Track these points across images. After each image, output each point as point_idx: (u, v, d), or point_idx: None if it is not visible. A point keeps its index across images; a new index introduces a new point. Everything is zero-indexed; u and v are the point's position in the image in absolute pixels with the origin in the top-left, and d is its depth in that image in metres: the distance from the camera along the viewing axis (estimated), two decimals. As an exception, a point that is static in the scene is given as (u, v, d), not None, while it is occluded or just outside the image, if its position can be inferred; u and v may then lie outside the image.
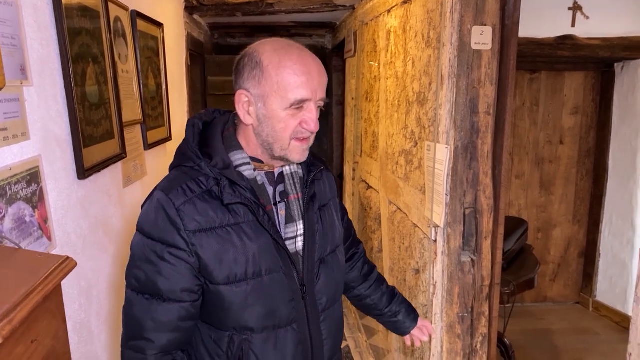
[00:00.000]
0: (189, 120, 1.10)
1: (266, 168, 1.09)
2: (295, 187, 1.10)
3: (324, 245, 1.14)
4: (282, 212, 1.09)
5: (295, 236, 1.08)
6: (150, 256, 0.99)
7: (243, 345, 1.04)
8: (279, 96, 0.99)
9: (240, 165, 1.05)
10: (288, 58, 1.00)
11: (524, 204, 4.03)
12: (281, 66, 0.99)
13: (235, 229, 1.01)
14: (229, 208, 1.01)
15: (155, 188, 1.04)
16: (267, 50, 1.01)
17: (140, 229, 1.02)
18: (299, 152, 1.05)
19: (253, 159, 1.07)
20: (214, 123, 1.11)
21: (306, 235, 1.09)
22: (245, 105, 1.04)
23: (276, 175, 1.11)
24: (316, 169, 1.14)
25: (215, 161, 1.02)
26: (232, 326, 1.04)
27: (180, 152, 1.07)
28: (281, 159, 1.06)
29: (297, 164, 1.12)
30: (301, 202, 1.10)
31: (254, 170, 1.06)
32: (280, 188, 1.10)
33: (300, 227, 1.09)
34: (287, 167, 1.11)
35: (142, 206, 1.04)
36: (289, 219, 1.08)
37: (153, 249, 0.99)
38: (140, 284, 1.01)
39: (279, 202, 1.09)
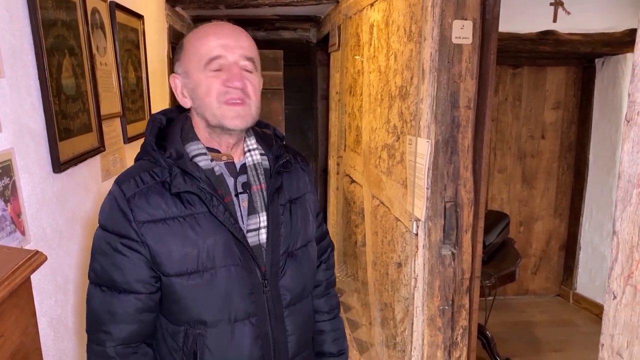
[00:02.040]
0: (151, 116, 1.10)
1: (224, 158, 1.08)
2: (259, 178, 1.09)
3: (293, 239, 1.11)
4: (244, 204, 1.07)
5: (257, 228, 1.06)
6: (105, 248, 1.00)
7: (197, 340, 1.03)
8: (196, 62, 1.02)
9: (196, 155, 1.04)
10: (203, 30, 1.05)
11: (506, 198, 4.07)
12: (196, 37, 1.04)
13: (188, 220, 1.00)
14: (183, 199, 1.00)
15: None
16: (189, 33, 1.07)
17: (98, 221, 1.03)
18: (233, 117, 1.01)
19: (211, 150, 1.07)
20: (177, 118, 1.10)
21: (269, 227, 1.07)
22: (179, 88, 1.07)
23: (238, 166, 1.09)
24: (282, 159, 1.11)
25: (169, 152, 1.02)
26: (185, 320, 1.03)
27: (142, 146, 1.08)
28: (222, 129, 1.03)
29: (262, 154, 1.12)
30: (264, 193, 1.08)
31: (211, 160, 1.05)
32: (242, 179, 1.08)
33: (263, 218, 1.07)
34: (250, 158, 1.10)
35: None
36: (252, 211, 1.06)
37: (107, 241, 1.00)
38: (97, 275, 1.02)
39: (241, 193, 1.07)
